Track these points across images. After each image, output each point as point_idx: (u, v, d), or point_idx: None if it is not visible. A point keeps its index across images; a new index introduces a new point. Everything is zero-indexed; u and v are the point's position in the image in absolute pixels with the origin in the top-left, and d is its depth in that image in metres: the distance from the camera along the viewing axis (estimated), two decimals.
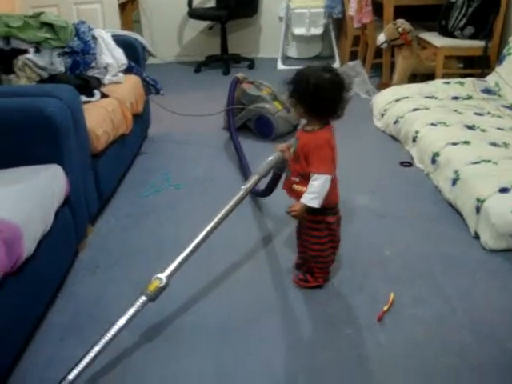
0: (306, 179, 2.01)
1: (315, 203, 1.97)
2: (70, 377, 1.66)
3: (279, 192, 2.39)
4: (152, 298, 1.85)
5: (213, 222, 2.05)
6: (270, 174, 2.36)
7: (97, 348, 1.72)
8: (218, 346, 1.94)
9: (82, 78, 3.05)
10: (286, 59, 6.33)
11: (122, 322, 1.78)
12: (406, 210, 2.84)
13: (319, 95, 1.92)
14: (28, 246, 1.81)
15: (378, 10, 5.10)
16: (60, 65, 3.09)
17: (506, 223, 2.40)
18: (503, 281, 2.26)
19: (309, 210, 2.00)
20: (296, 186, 2.07)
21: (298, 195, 2.04)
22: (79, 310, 2.16)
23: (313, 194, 1.96)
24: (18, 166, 2.18)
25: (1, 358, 1.71)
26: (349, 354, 1.89)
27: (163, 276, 1.88)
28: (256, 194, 2.82)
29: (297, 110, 2.01)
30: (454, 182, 2.79)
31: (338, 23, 6.25)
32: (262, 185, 2.51)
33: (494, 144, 3.01)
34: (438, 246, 2.52)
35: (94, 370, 1.76)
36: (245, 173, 3.19)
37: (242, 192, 2.18)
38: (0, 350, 1.70)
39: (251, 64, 6.14)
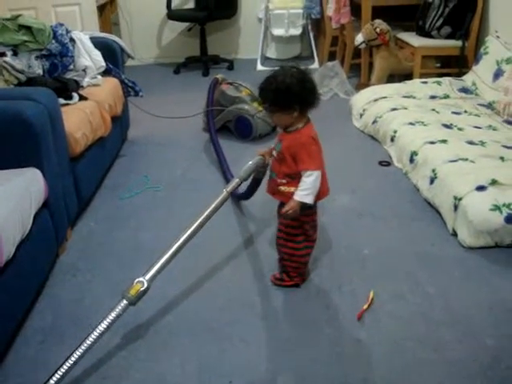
0: (293, 179, 2.03)
1: (309, 199, 2.00)
2: (52, 381, 1.66)
3: (260, 194, 2.40)
4: (133, 302, 1.84)
5: (195, 225, 2.05)
6: (250, 178, 2.37)
7: (77, 353, 1.71)
8: (199, 347, 1.94)
9: (60, 80, 3.04)
10: (266, 60, 6.34)
11: (102, 326, 1.77)
12: (385, 208, 2.87)
13: (305, 87, 1.95)
14: (7, 250, 1.80)
15: (356, 10, 5.13)
16: (38, 68, 3.08)
17: (484, 220, 2.43)
18: (481, 278, 2.29)
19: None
20: (283, 188, 2.07)
21: (286, 196, 2.05)
22: (60, 312, 2.15)
23: (306, 190, 1.99)
24: None
25: None
26: (329, 352, 1.90)
27: (144, 279, 1.87)
28: (237, 197, 2.83)
29: (284, 119, 2.01)
30: (432, 180, 2.81)
31: (317, 24, 6.28)
32: (242, 189, 2.52)
33: (471, 142, 3.03)
34: (416, 243, 2.54)
35: (74, 373, 1.76)
36: (225, 174, 3.19)
37: (223, 194, 2.18)
38: None
39: (230, 65, 6.15)
